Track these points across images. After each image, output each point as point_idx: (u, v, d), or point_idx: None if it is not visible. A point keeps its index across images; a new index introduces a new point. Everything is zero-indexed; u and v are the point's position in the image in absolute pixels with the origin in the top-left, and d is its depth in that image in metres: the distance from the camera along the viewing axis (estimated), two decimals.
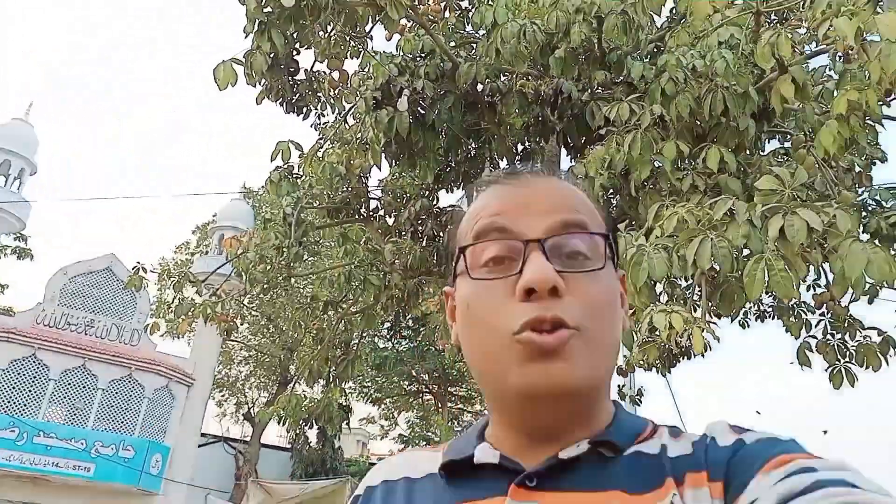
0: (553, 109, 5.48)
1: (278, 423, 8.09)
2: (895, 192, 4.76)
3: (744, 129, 3.85)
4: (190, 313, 6.86)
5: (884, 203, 4.43)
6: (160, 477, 15.89)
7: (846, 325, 4.89)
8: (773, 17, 5.33)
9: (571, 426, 0.65)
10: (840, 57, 2.89)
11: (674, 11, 4.55)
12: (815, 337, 5.16)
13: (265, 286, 6.26)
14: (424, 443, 24.13)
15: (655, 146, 3.84)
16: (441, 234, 6.81)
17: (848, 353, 4.98)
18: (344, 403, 7.87)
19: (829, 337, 5.08)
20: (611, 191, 4.31)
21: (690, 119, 3.84)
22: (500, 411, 0.69)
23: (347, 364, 7.49)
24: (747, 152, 4.59)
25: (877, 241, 4.62)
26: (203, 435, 18.94)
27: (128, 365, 16.07)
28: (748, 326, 6.09)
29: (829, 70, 4.08)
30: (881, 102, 2.95)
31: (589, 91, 5.25)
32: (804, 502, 0.49)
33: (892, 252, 4.63)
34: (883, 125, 3.90)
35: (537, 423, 0.66)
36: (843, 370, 4.96)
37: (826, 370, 4.94)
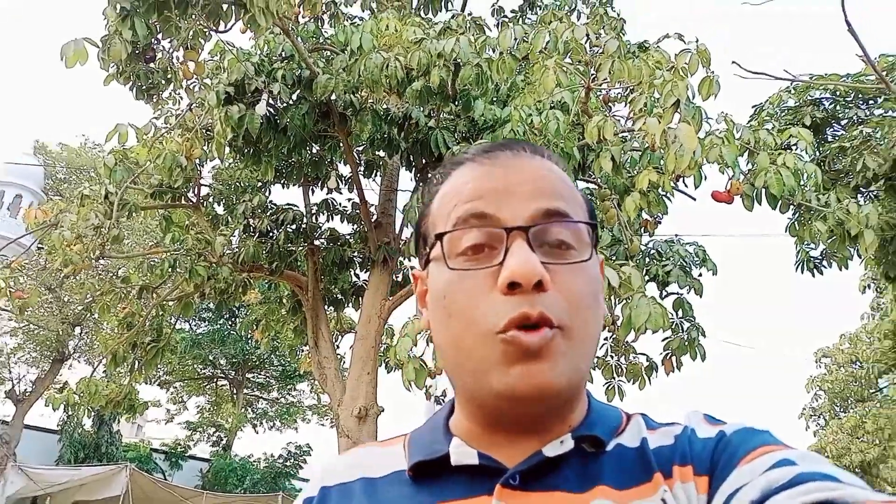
0: (400, 130, 5.85)
1: (66, 409, 7.55)
2: (671, 244, 5.81)
3: None
4: None
5: (662, 252, 5.40)
6: None
7: (623, 349, 5.84)
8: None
9: (550, 420, 0.64)
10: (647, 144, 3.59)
11: (523, 67, 5.13)
12: (597, 357, 6.09)
13: (78, 267, 5.87)
14: (214, 429, 23.25)
15: None
16: (275, 231, 6.86)
17: (622, 371, 5.96)
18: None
19: (609, 357, 6.02)
20: None
21: None
22: (472, 406, 0.66)
23: (157, 352, 7.22)
24: None
25: (654, 286, 5.62)
26: None
27: None
28: None
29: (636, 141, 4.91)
30: (673, 183, 3.73)
31: (435, 119, 5.70)
32: (788, 496, 0.49)
33: (664, 293, 5.65)
34: (672, 199, 4.80)
35: (516, 420, 0.63)
36: (616, 386, 5.92)
37: (603, 385, 5.87)
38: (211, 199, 7.38)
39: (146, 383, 7.62)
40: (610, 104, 6.22)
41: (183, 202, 7.18)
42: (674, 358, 5.52)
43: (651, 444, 0.63)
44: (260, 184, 7.25)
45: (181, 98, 6.04)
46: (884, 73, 6.06)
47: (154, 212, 7.46)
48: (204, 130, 5.95)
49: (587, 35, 3.92)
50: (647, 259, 5.64)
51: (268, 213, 6.90)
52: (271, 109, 5.57)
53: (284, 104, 5.54)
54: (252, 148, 5.86)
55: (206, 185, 7.32)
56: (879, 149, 6.08)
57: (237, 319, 19.41)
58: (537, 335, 0.58)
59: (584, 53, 4.16)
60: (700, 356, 5.44)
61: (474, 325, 0.61)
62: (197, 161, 6.42)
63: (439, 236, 0.66)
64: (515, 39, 4.32)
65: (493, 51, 4.46)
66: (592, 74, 4.03)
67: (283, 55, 5.53)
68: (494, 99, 5.20)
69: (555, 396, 0.60)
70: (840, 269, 7.00)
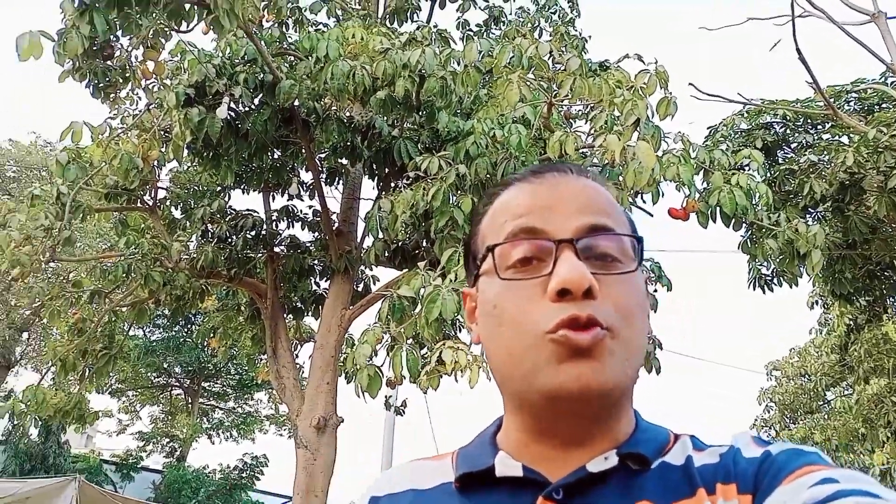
0: (363, 139, 5.84)
1: (11, 418, 7.29)
2: None
3: None
4: None
5: None
6: None
7: None
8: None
9: (596, 432, 0.64)
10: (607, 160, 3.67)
11: (487, 80, 5.18)
12: None
13: (27, 269, 5.68)
14: (168, 440, 22.68)
15: (454, 198, 4.40)
16: (234, 237, 6.76)
17: None
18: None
19: None
20: (411, 228, 4.78)
21: (487, 179, 4.45)
22: (523, 416, 0.67)
23: (109, 359, 7.03)
24: None
25: None
26: None
27: None
28: None
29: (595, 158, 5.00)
30: (631, 199, 3.81)
31: (399, 129, 5.70)
32: None
33: None
34: (630, 215, 4.89)
35: (562, 427, 0.64)
36: None
37: None
38: (168, 203, 7.24)
39: (97, 392, 7.42)
40: (571, 121, 6.31)
41: (139, 205, 7.03)
42: None
43: (696, 463, 0.63)
44: (219, 188, 7.15)
45: (139, 98, 5.93)
46: (831, 101, 6.30)
47: (108, 214, 7.27)
48: (162, 132, 5.84)
49: (550, 52, 3.99)
50: None
51: (227, 219, 6.80)
52: (232, 113, 5.50)
53: (246, 108, 5.47)
54: (211, 152, 5.77)
55: (163, 189, 7.18)
56: (826, 173, 6.31)
57: (193, 326, 19.00)
58: (589, 333, 0.59)
59: (547, 70, 4.23)
60: (655, 369, 5.53)
61: (524, 331, 0.62)
62: (154, 163, 6.31)
63: (490, 248, 0.68)
64: (480, 53, 4.36)
65: (458, 63, 4.50)
66: (554, 91, 4.10)
67: (246, 58, 5.47)
68: (458, 111, 5.23)
69: (603, 396, 0.61)
70: (790, 287, 7.23)
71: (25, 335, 18.78)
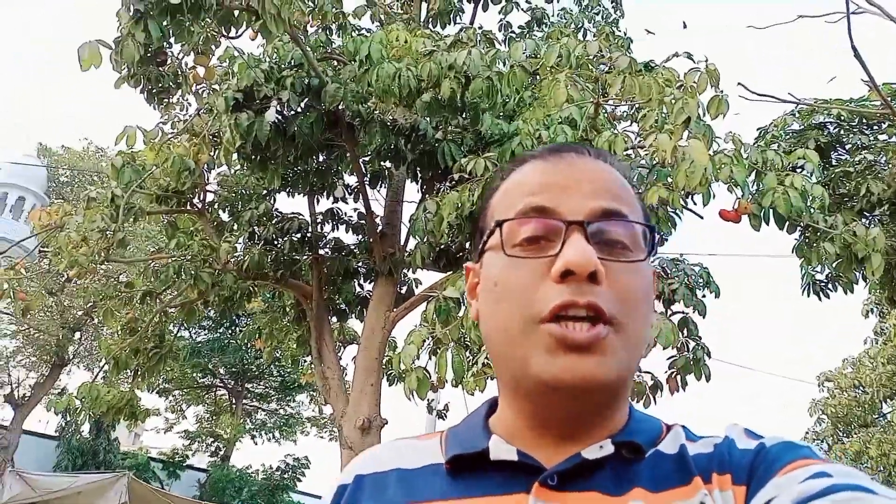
0: (407, 141, 5.86)
1: (69, 414, 7.51)
2: (677, 263, 5.80)
3: None
4: None
5: (668, 271, 5.39)
6: None
7: None
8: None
9: (593, 421, 0.64)
10: (656, 160, 3.61)
11: (532, 81, 5.16)
12: None
13: (83, 270, 5.87)
14: (212, 439, 23.13)
15: None
16: (280, 239, 6.86)
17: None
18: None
19: None
20: (456, 230, 4.77)
21: None
22: (518, 400, 0.66)
23: (160, 358, 7.20)
24: None
25: (660, 305, 5.59)
26: None
27: None
28: None
29: (643, 159, 4.91)
30: (683, 200, 3.74)
31: (442, 132, 5.71)
32: None
33: (669, 312, 5.62)
34: (681, 216, 4.81)
35: (556, 415, 0.63)
36: None
37: None
38: (216, 206, 7.39)
39: (148, 391, 7.62)
40: (615, 122, 6.23)
41: (188, 208, 7.20)
42: (679, 377, 5.47)
43: (690, 451, 0.63)
44: (265, 191, 7.27)
45: (189, 104, 6.08)
46: (889, 100, 6.07)
47: (157, 217, 7.46)
48: (211, 136, 5.97)
49: (599, 51, 3.94)
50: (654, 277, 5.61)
51: (273, 222, 6.90)
52: (279, 117, 5.59)
53: (293, 112, 5.56)
54: (259, 155, 5.87)
55: (211, 192, 7.33)
56: (883, 174, 6.09)
57: (237, 328, 19.35)
58: (592, 332, 0.59)
59: (593, 70, 4.18)
60: (705, 376, 5.39)
61: (522, 312, 0.61)
62: (203, 167, 6.45)
63: (499, 223, 0.66)
64: (526, 53, 4.34)
65: (504, 64, 4.48)
66: (601, 91, 4.05)
67: (293, 63, 5.55)
68: (501, 113, 5.21)
69: (602, 389, 0.60)
70: (846, 293, 6.97)
71: (78, 335, 19.37)
